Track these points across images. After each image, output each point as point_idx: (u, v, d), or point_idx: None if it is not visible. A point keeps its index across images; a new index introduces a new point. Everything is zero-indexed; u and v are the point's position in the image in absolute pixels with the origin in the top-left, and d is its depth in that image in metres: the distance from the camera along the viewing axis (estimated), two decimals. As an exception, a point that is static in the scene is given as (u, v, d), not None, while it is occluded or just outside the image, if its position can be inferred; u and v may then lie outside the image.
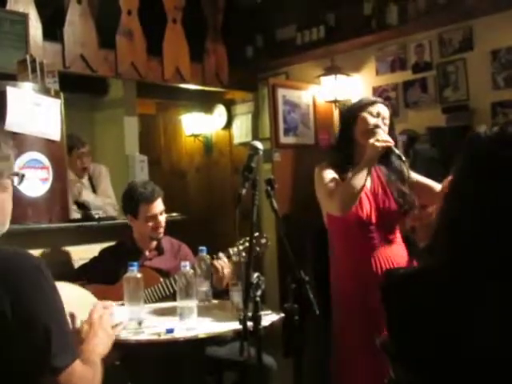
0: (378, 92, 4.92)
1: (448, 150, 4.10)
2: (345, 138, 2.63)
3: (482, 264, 1.12)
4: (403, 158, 2.54)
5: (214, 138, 6.54)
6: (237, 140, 6.19)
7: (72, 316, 1.70)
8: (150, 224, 3.10)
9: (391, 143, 2.46)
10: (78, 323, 1.71)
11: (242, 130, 6.11)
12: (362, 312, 2.46)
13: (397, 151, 2.53)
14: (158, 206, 3.11)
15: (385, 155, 2.50)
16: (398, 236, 2.62)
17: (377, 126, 2.53)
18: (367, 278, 2.47)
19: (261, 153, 2.19)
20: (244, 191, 2.05)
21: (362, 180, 2.42)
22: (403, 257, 2.57)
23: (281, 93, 5.15)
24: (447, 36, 4.58)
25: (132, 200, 3.12)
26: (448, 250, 1.20)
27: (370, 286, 2.45)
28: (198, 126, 6.54)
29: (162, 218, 3.13)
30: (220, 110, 6.30)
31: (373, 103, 2.63)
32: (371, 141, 2.44)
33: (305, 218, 2.68)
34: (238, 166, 5.90)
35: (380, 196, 2.56)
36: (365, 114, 2.57)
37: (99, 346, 1.65)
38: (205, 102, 6.29)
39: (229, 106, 6.24)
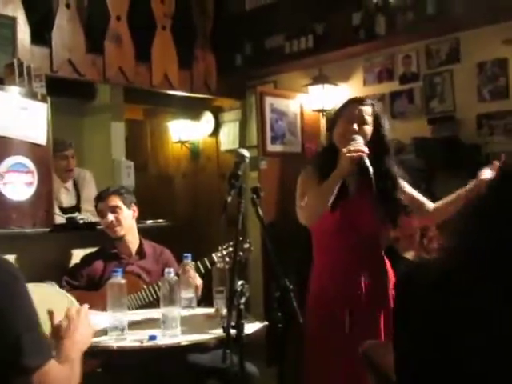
0: (365, 102, 4.95)
1: (433, 160, 4.14)
2: (328, 143, 2.58)
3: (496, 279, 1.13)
4: (370, 172, 2.33)
5: (201, 145, 6.54)
6: (224, 147, 6.19)
7: (50, 313, 1.69)
8: (102, 221, 3.19)
9: (364, 153, 2.32)
10: (56, 320, 1.69)
11: (229, 137, 6.12)
12: (336, 318, 2.43)
13: (367, 163, 2.34)
14: (108, 202, 3.17)
15: (358, 164, 2.35)
16: (378, 248, 2.56)
17: (352, 132, 2.42)
18: (343, 287, 2.45)
19: (247, 160, 2.20)
20: (230, 198, 2.05)
21: (329, 192, 2.33)
22: (381, 267, 2.53)
23: (268, 101, 5.16)
24: (434, 48, 4.62)
25: (95, 201, 3.29)
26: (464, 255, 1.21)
27: (348, 297, 2.44)
28: (186, 132, 6.54)
29: (114, 215, 3.15)
30: (207, 117, 6.31)
31: (348, 106, 2.53)
32: (344, 150, 2.34)
33: (290, 226, 2.67)
34: (225, 173, 5.89)
35: (358, 205, 2.49)
36: (341, 119, 2.49)
37: (79, 342, 1.64)
38: (192, 109, 6.29)
39: (216, 113, 6.24)
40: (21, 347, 1.37)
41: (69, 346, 1.59)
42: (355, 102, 2.53)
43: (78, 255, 3.33)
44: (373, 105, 2.54)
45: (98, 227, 3.55)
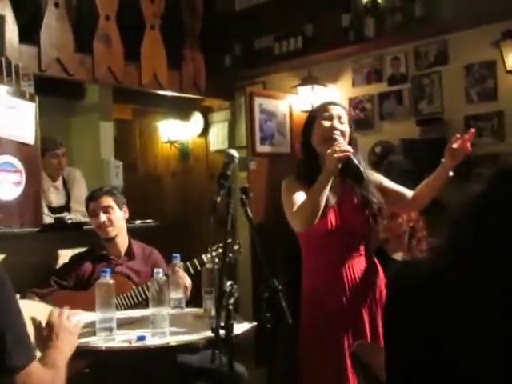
0: (354, 103, 4.97)
1: (421, 161, 4.16)
2: (307, 150, 2.57)
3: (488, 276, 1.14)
4: (361, 169, 2.37)
5: (190, 145, 6.54)
6: (213, 147, 6.19)
7: (34, 320, 1.68)
8: (94, 221, 3.17)
9: (349, 153, 2.33)
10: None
11: (218, 137, 6.12)
12: (329, 318, 2.44)
13: (355, 161, 2.37)
14: (101, 202, 3.16)
15: (344, 164, 2.36)
16: (362, 248, 2.54)
17: (334, 129, 2.45)
18: (332, 289, 2.45)
19: (236, 161, 2.20)
20: (219, 199, 2.05)
21: (321, 195, 2.33)
22: (369, 268, 2.53)
23: (258, 101, 5.16)
24: (423, 49, 4.65)
25: (86, 201, 3.28)
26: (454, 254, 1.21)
27: (334, 296, 2.45)
28: (175, 132, 6.53)
29: (107, 216, 3.15)
30: (197, 117, 6.30)
31: (324, 107, 2.55)
32: (329, 151, 2.33)
33: (279, 227, 2.67)
34: (214, 173, 5.90)
35: (344, 206, 2.50)
36: (318, 122, 2.50)
37: (63, 348, 1.63)
38: (182, 109, 6.28)
39: (206, 113, 6.24)
40: (5, 346, 1.36)
41: (54, 354, 1.58)
42: (327, 104, 2.57)
43: (66, 255, 3.32)
44: (343, 107, 2.59)
45: (87, 227, 3.54)
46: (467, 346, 1.12)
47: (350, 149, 2.35)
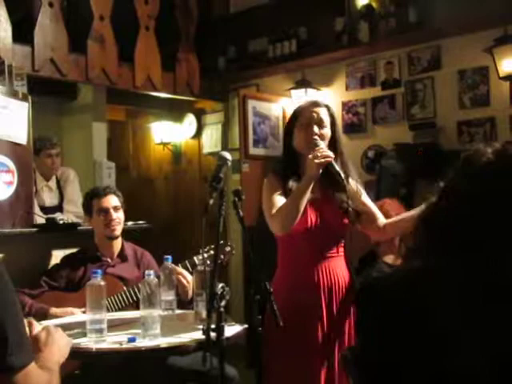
0: (348, 107, 4.99)
1: (413, 166, 4.18)
2: (286, 148, 2.56)
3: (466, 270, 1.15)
4: (342, 176, 2.38)
5: (183, 147, 6.53)
6: (206, 149, 6.19)
7: (30, 323, 1.68)
8: (102, 219, 3.09)
9: (330, 158, 2.34)
10: (35, 330, 1.68)
11: (211, 139, 6.12)
12: (299, 323, 2.39)
13: (336, 168, 2.37)
14: (110, 200, 3.12)
15: (325, 169, 2.37)
16: (341, 250, 2.53)
17: (312, 135, 2.42)
18: (308, 289, 2.42)
19: (229, 163, 2.20)
20: (211, 201, 2.05)
21: (301, 200, 2.33)
22: (345, 270, 2.51)
23: (251, 104, 5.17)
24: (416, 54, 4.67)
25: (86, 199, 3.21)
26: (432, 254, 1.22)
27: (309, 296, 2.42)
28: (168, 134, 6.53)
29: (117, 215, 3.12)
30: (190, 119, 6.30)
31: (306, 109, 2.52)
32: (310, 157, 2.34)
33: (270, 230, 2.67)
34: (207, 175, 5.90)
35: (325, 206, 2.48)
36: (300, 124, 2.48)
37: (57, 353, 1.63)
38: (175, 111, 6.29)
39: (199, 115, 6.24)
40: (7, 345, 1.36)
41: (48, 357, 1.58)
42: (310, 106, 2.53)
43: (57, 256, 3.30)
44: (327, 106, 2.56)
45: (79, 228, 3.53)
46: (450, 348, 1.13)
47: (331, 154, 2.35)
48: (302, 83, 5.04)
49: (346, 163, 2.54)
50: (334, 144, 2.51)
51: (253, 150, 5.15)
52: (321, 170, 2.35)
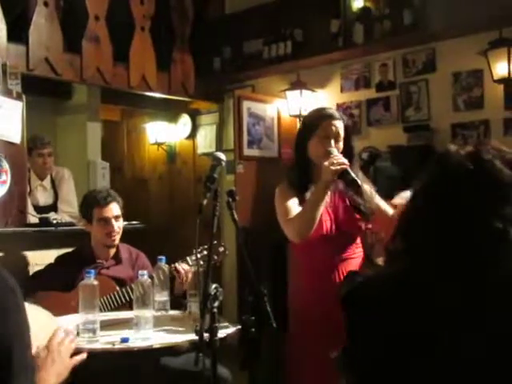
0: (342, 109, 4.99)
1: (408, 168, 4.19)
2: (301, 157, 2.58)
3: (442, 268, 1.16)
4: (358, 183, 2.41)
5: (177, 147, 6.53)
6: (201, 150, 6.18)
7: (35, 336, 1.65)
8: (103, 228, 3.05)
9: (346, 165, 2.37)
10: (34, 349, 1.65)
11: (206, 140, 6.11)
12: (323, 325, 2.44)
13: (352, 175, 2.39)
14: (112, 210, 3.06)
15: (341, 176, 2.40)
16: (360, 251, 2.59)
17: (329, 152, 2.44)
18: (329, 292, 2.44)
19: (224, 164, 2.21)
20: (205, 202, 2.05)
21: (318, 207, 2.36)
22: (364, 270, 2.56)
23: (246, 105, 5.17)
24: (411, 57, 4.68)
25: (87, 204, 3.12)
26: (409, 255, 1.23)
27: (331, 299, 2.45)
28: (162, 134, 6.52)
29: (117, 224, 3.08)
30: (185, 120, 6.30)
31: (324, 121, 2.53)
32: (325, 164, 2.37)
33: (265, 231, 2.68)
34: (201, 176, 5.89)
35: (340, 209, 2.53)
36: (317, 137, 2.51)
37: (54, 377, 1.60)
38: (170, 111, 6.28)
39: (194, 115, 6.24)
40: (11, 365, 1.32)
41: (44, 378, 1.56)
42: (328, 118, 2.54)
43: (51, 256, 3.29)
44: (343, 119, 2.59)
45: (72, 228, 3.52)
46: (428, 362, 1.14)
47: (346, 161, 2.39)
48: (297, 85, 5.05)
49: (357, 170, 2.59)
50: (349, 152, 2.54)
51: (247, 151, 5.15)
52: (335, 177, 2.38)
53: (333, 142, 2.49)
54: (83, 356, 1.77)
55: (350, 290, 1.34)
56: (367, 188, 2.59)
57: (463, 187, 1.21)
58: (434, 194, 1.25)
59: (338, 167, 2.35)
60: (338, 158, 2.39)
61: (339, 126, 2.53)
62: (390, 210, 2.60)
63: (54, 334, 1.73)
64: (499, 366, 1.10)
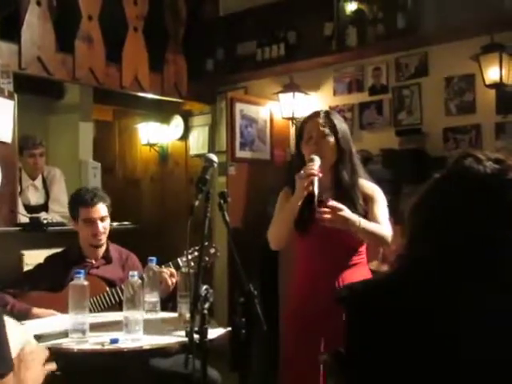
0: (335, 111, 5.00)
1: (400, 172, 4.20)
2: (298, 158, 2.56)
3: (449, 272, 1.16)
4: (315, 198, 2.26)
5: (169, 149, 6.51)
6: (193, 151, 6.18)
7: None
8: (88, 228, 3.04)
9: (314, 176, 2.29)
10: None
11: (198, 141, 6.11)
12: (316, 327, 2.42)
13: (314, 188, 2.27)
14: (98, 210, 3.04)
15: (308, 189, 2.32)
16: (363, 258, 2.55)
17: (310, 159, 2.39)
18: (323, 294, 2.41)
19: (216, 165, 2.20)
20: (197, 203, 2.05)
21: (287, 217, 2.37)
22: (367, 276, 2.50)
23: (239, 107, 5.17)
24: (404, 61, 4.69)
25: (73, 203, 3.11)
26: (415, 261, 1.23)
27: (325, 301, 2.43)
28: (155, 135, 6.50)
29: (103, 225, 3.06)
30: (177, 121, 6.29)
31: (306, 122, 2.52)
32: (296, 176, 2.35)
33: (256, 233, 2.67)
34: (193, 177, 5.88)
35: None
36: (303, 143, 2.50)
37: (31, 381, 1.58)
38: (162, 112, 6.27)
39: (186, 117, 6.23)
40: None
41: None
42: (308, 119, 2.54)
43: (42, 255, 3.27)
44: (326, 113, 2.53)
45: (63, 228, 3.50)
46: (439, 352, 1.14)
47: (315, 172, 2.32)
48: (290, 87, 5.05)
49: (356, 169, 2.55)
50: (340, 151, 2.49)
51: (239, 153, 5.15)
52: (311, 188, 2.30)
53: (312, 142, 2.46)
54: (53, 366, 1.75)
55: (350, 292, 1.34)
56: (369, 191, 2.53)
57: (487, 208, 1.20)
58: (452, 207, 1.24)
59: (305, 180, 2.30)
60: (308, 168, 2.34)
61: (319, 123, 2.48)
62: (381, 222, 2.48)
63: (26, 344, 1.70)
64: (499, 366, 1.10)
